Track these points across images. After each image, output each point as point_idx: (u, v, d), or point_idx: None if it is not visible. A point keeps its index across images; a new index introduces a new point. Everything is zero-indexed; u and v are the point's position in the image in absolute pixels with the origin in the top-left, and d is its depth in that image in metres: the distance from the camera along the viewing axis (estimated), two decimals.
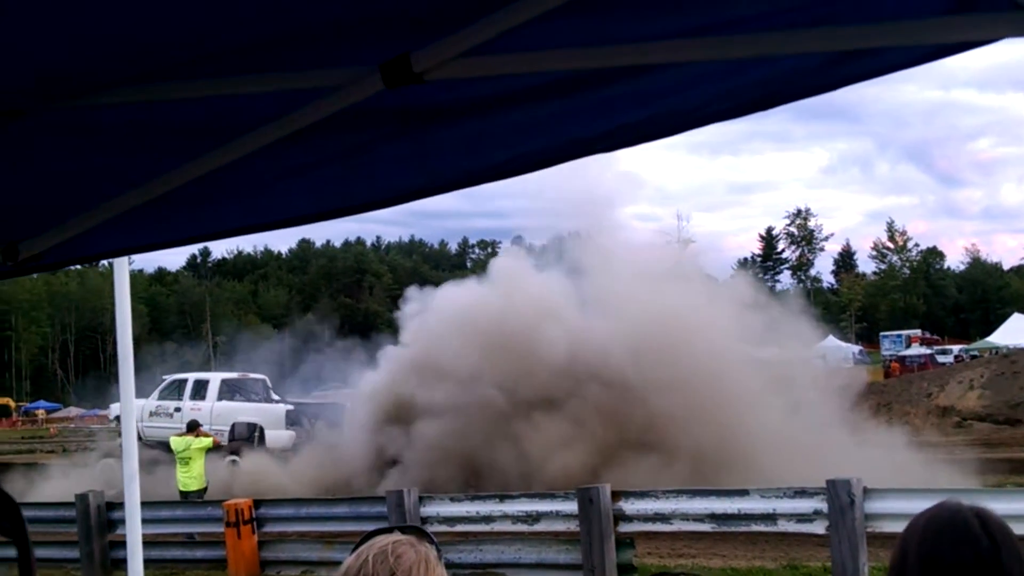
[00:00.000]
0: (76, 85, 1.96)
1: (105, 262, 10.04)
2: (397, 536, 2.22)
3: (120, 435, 28.50)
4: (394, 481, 22.91)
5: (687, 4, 1.78)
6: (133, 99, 2.00)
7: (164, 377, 33.07)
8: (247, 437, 29.18)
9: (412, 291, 29.42)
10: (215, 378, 32.68)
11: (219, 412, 29.52)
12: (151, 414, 30.82)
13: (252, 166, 2.28)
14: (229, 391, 31.71)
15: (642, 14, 1.78)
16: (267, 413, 30.93)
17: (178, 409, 30.60)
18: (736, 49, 1.80)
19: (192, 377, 32.79)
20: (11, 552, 1.63)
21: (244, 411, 30.64)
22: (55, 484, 28.39)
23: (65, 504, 16.73)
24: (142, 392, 29.18)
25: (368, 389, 27.88)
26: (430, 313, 27.12)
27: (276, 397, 32.98)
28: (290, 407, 31.80)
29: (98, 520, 15.72)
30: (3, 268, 2.73)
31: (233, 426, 29.19)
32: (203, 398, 30.84)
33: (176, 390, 31.62)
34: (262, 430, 29.89)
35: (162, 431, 28.91)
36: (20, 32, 1.73)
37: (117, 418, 33.87)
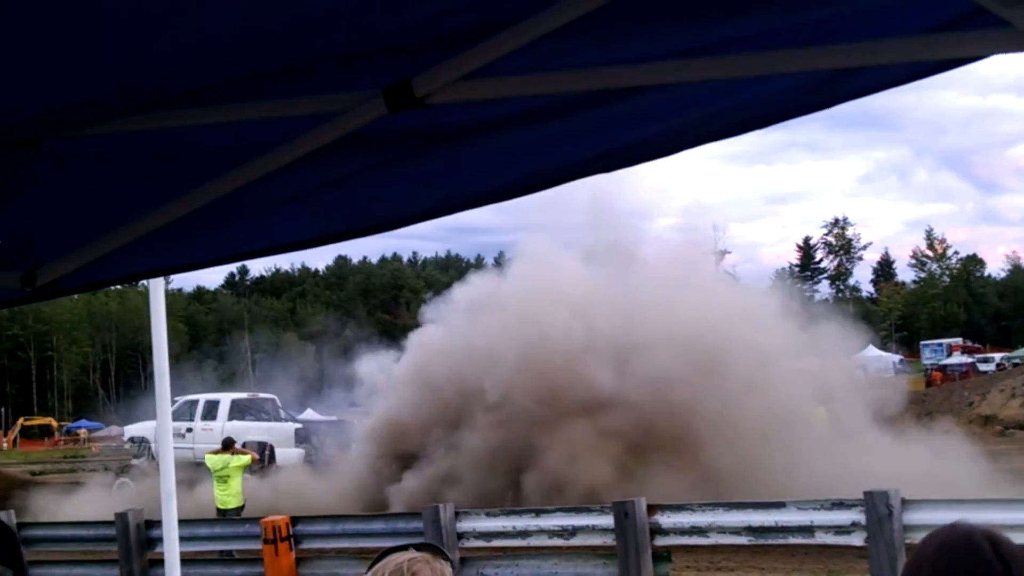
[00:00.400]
0: (87, 114, 1.99)
1: (144, 281, 10.36)
2: (412, 554, 2.23)
3: (134, 456, 29.09)
4: (410, 487, 23.14)
5: (681, 26, 1.80)
6: (142, 127, 2.04)
7: (176, 399, 33.65)
8: (258, 456, 29.68)
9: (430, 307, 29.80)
10: (225, 399, 33.50)
11: (229, 432, 29.95)
12: None
13: (261, 190, 2.32)
14: (239, 411, 32.50)
15: (637, 36, 1.81)
16: (277, 432, 31.40)
17: (190, 430, 31.16)
18: (729, 69, 1.82)
19: (203, 398, 33.30)
20: None
21: (254, 430, 31.08)
22: (84, 502, 28.83)
23: (105, 523, 16.82)
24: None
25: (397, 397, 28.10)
26: (454, 312, 27.42)
27: (285, 416, 33.53)
28: (299, 425, 32.35)
29: (138, 538, 15.81)
30: (22, 294, 2.79)
31: (244, 445, 29.70)
32: (214, 418, 31.51)
33: (188, 411, 32.17)
34: (272, 449, 30.26)
35: (174, 452, 29.37)
36: (33, 63, 1.77)
37: (132, 439, 34.72)
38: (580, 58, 1.87)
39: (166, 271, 2.95)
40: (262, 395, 35.81)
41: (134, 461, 33.26)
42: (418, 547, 2.29)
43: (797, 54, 1.73)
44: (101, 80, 1.84)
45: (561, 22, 1.71)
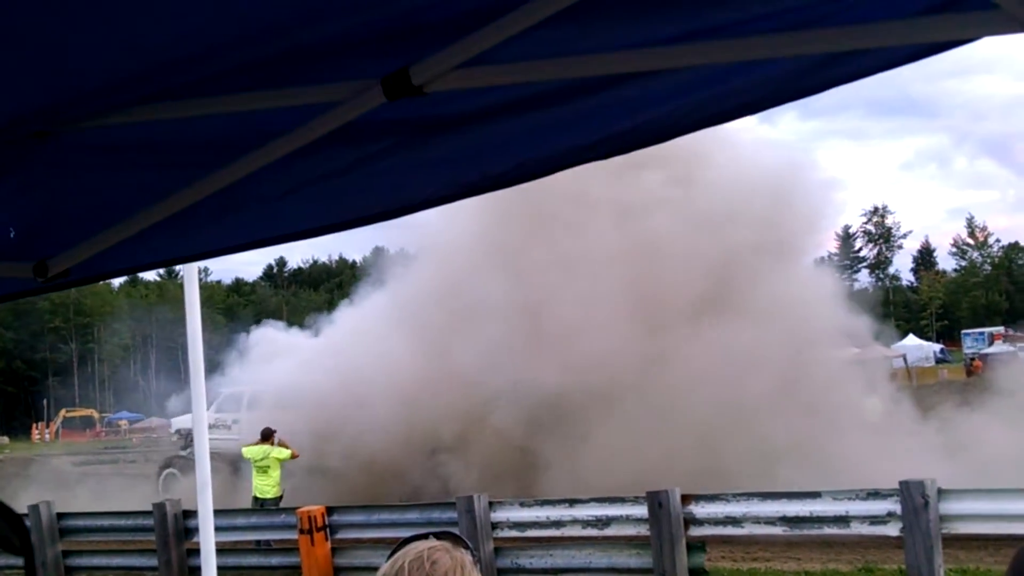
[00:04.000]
0: (97, 106, 2.02)
1: (181, 271, 10.67)
2: (432, 542, 2.23)
3: (181, 448, 29.81)
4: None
5: (675, 12, 1.80)
6: (151, 118, 2.07)
7: (221, 390, 34.05)
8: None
9: None
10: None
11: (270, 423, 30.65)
12: (210, 427, 32.04)
13: (264, 180, 2.35)
14: None
15: (633, 22, 1.82)
16: None
17: (236, 421, 31.55)
18: (723, 54, 1.82)
19: (249, 389, 33.69)
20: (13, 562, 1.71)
21: None
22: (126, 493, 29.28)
23: (143, 513, 17.00)
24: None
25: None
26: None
27: None
28: None
29: (175, 528, 15.96)
30: (34, 285, 2.84)
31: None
32: (260, 408, 31.97)
33: (235, 403, 32.58)
34: None
35: (221, 443, 30.31)
36: (44, 55, 1.79)
37: (178, 431, 35.58)
38: (577, 45, 1.88)
39: (174, 261, 3.02)
40: None
41: (182, 453, 33.96)
42: (438, 535, 2.29)
43: (790, 38, 1.73)
44: (108, 72, 1.87)
45: (557, 9, 1.72)
